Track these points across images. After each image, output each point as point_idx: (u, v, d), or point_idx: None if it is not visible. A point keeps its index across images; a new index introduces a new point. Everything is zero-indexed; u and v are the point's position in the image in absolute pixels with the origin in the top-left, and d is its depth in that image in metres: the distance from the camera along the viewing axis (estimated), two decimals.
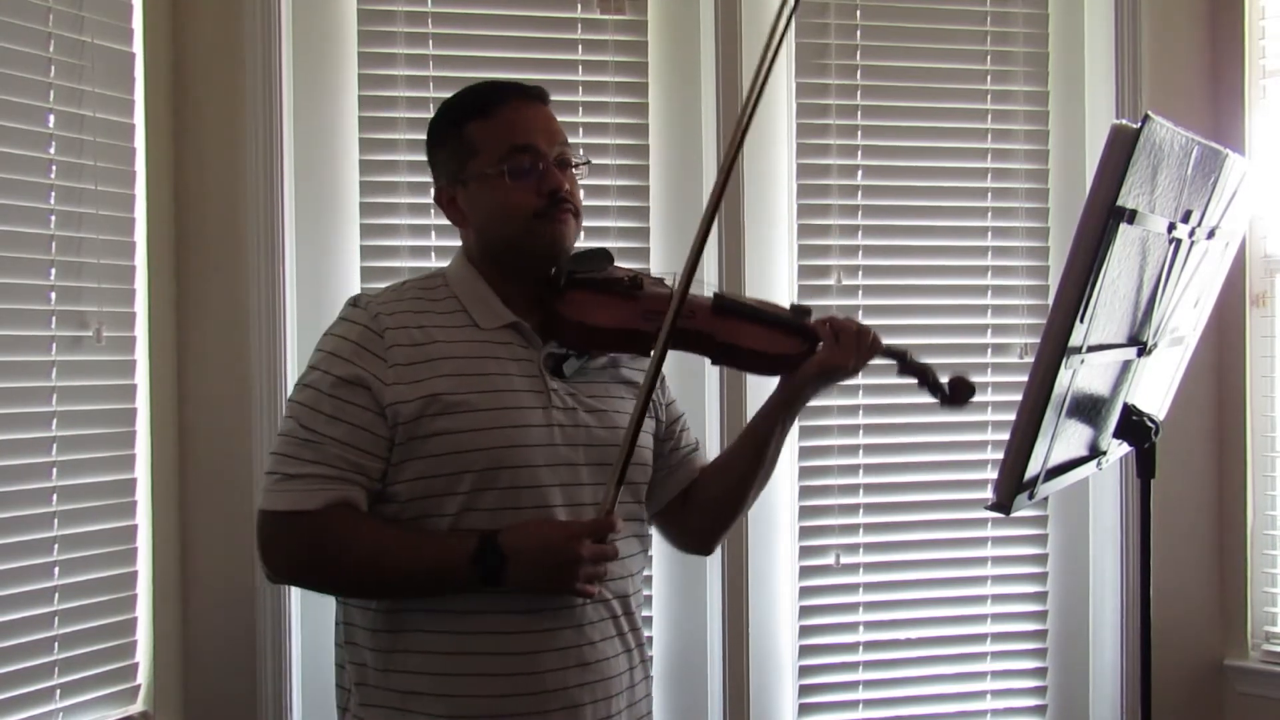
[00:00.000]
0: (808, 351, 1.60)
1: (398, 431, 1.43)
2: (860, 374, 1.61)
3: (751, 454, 1.65)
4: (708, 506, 1.69)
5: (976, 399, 2.58)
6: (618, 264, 1.65)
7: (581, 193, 1.58)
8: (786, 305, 1.68)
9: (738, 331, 1.61)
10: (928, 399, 1.65)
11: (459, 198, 1.55)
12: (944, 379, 1.64)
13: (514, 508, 1.44)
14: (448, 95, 1.58)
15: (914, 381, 1.66)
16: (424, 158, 1.58)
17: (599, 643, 1.50)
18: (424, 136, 1.59)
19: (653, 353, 1.47)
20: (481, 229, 1.55)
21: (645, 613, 2.50)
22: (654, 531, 1.71)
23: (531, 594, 1.43)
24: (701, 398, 2.52)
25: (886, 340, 1.61)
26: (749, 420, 1.67)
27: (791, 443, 2.56)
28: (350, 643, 1.51)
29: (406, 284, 1.57)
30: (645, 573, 1.71)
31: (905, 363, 1.65)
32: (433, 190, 1.59)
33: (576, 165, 1.57)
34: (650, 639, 2.53)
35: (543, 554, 1.41)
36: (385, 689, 1.46)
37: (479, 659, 1.44)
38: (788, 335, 1.62)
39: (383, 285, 1.59)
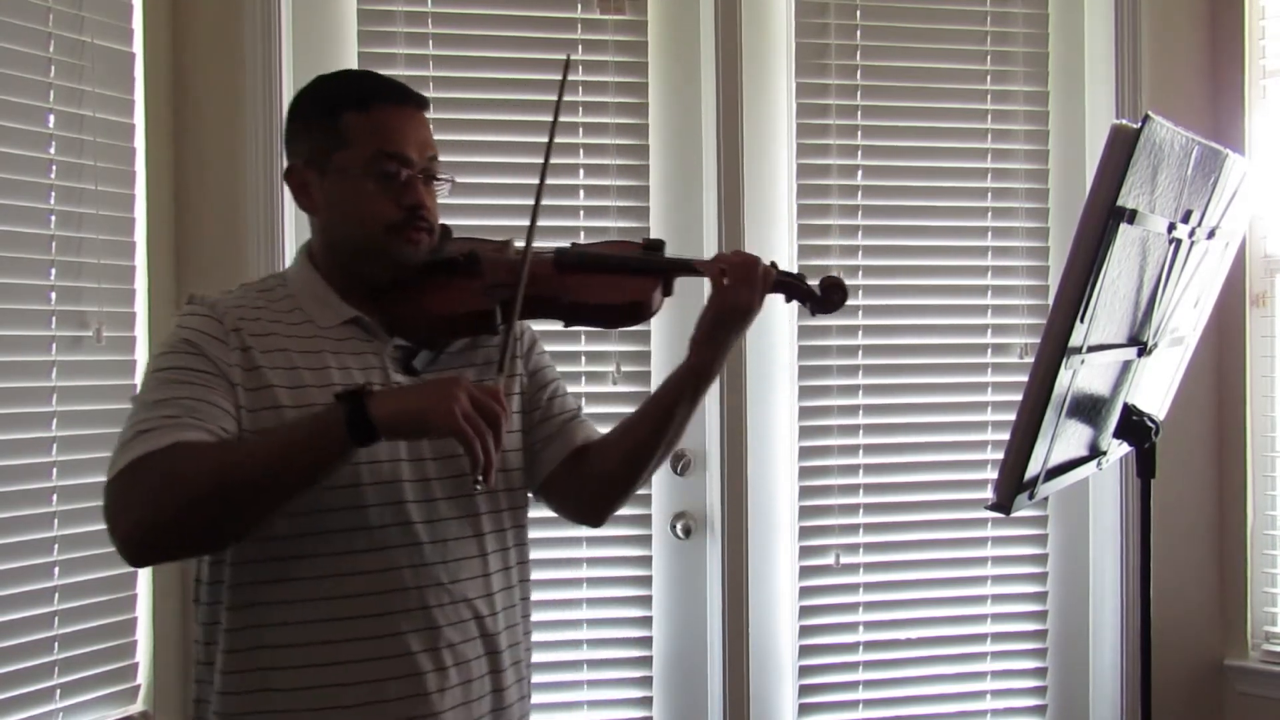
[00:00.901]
0: (662, 288, 1.52)
1: (240, 417, 1.36)
2: (760, 310, 1.51)
3: (656, 422, 1.55)
4: (603, 477, 1.60)
5: (976, 399, 2.63)
6: (456, 235, 1.56)
7: (438, 209, 1.51)
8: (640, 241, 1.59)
9: (585, 287, 1.52)
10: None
11: (313, 183, 1.48)
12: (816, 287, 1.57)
13: (360, 506, 1.39)
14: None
15: (791, 300, 1.58)
16: None
17: (459, 644, 1.44)
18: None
19: (501, 329, 1.41)
20: (330, 224, 1.49)
21: (645, 612, 2.53)
22: (542, 501, 1.64)
23: (406, 437, 1.33)
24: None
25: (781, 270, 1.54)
26: (658, 387, 1.58)
27: (792, 443, 2.56)
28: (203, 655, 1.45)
29: (243, 286, 1.52)
30: (527, 597, 1.60)
31: (797, 289, 1.57)
32: (285, 165, 1.51)
33: (440, 180, 1.51)
34: (650, 639, 2.53)
35: (413, 387, 1.35)
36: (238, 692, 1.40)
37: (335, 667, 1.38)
38: (638, 278, 1.53)
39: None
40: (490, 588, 1.50)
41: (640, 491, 2.47)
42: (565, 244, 1.60)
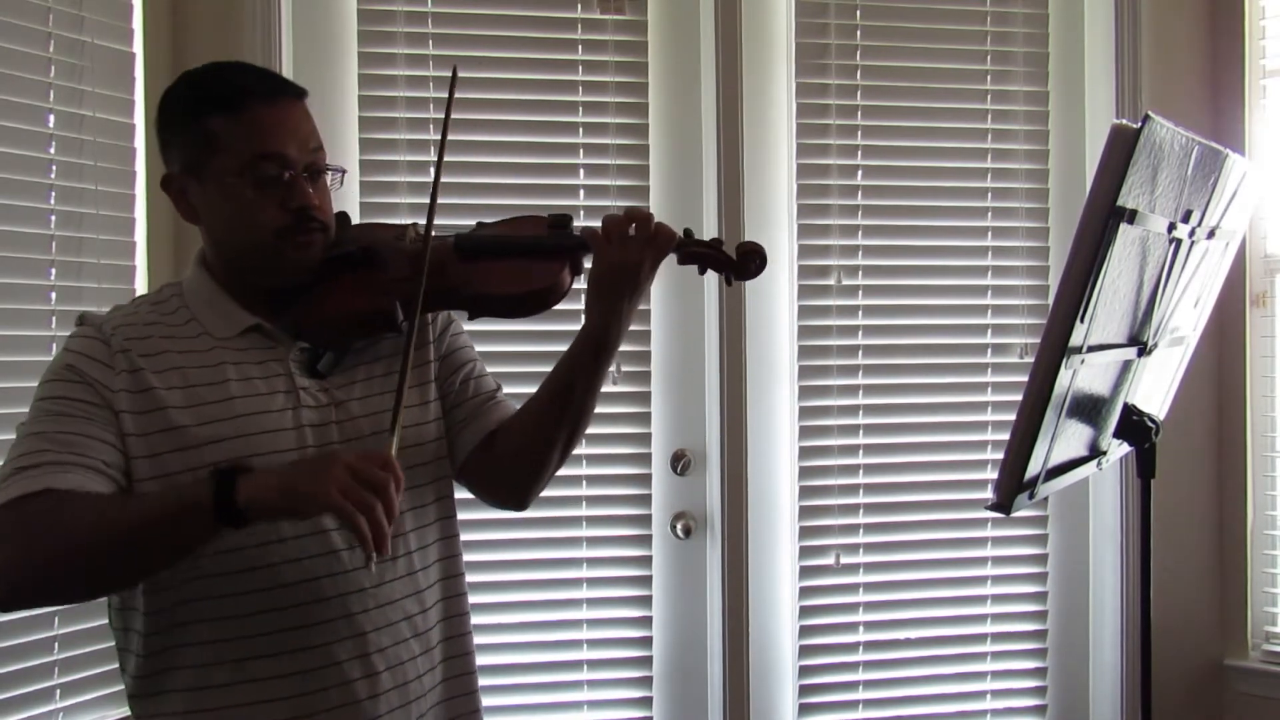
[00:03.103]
0: (570, 270, 1.44)
1: (128, 444, 1.31)
2: (656, 271, 1.44)
3: (554, 395, 1.49)
4: (512, 457, 1.53)
5: (976, 399, 2.63)
6: (356, 223, 1.49)
7: (332, 202, 1.46)
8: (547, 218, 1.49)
9: (488, 276, 1.44)
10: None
11: (191, 191, 1.41)
12: (732, 253, 1.48)
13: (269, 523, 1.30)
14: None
15: (697, 267, 1.49)
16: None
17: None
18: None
19: (403, 325, 1.35)
20: (215, 235, 1.43)
21: (645, 613, 2.52)
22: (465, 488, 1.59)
23: (280, 519, 1.26)
24: (701, 394, 2.52)
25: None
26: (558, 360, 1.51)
27: (791, 442, 2.56)
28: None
29: (138, 299, 1.47)
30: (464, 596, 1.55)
31: (706, 257, 1.48)
32: (161, 176, 1.44)
33: (329, 172, 1.44)
34: (650, 639, 2.53)
35: (290, 466, 1.27)
36: None
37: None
38: (543, 261, 1.44)
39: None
40: (418, 585, 1.46)
41: (640, 491, 2.51)
42: (468, 224, 1.52)
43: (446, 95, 1.45)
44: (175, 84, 1.45)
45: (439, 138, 1.42)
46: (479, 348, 1.63)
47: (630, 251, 1.41)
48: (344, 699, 1.38)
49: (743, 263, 1.48)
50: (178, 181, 1.43)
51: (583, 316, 1.47)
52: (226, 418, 1.35)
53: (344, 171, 1.47)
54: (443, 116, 1.40)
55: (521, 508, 1.60)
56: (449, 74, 1.48)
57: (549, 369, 1.51)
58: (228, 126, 1.37)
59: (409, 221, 1.52)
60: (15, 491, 1.23)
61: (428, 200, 1.45)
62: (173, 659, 1.37)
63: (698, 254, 1.48)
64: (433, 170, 1.43)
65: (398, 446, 1.28)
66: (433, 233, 1.39)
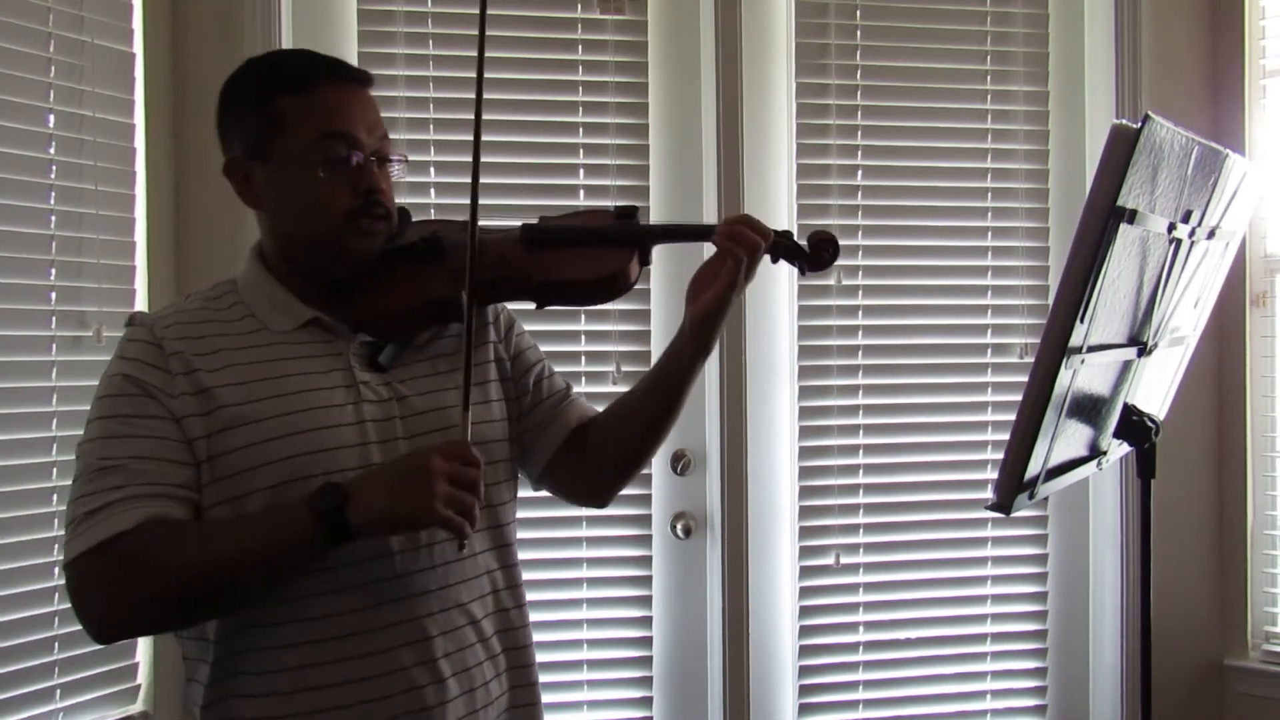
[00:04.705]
0: (636, 259, 1.44)
1: (195, 448, 1.29)
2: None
3: (664, 399, 1.49)
4: (611, 457, 1.54)
5: (976, 399, 2.63)
6: (418, 220, 1.48)
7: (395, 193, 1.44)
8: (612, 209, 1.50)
9: (555, 264, 1.42)
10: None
11: (255, 176, 1.38)
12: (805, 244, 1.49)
13: None
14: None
15: (777, 260, 1.49)
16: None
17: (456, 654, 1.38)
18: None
19: (464, 317, 1.34)
20: (278, 218, 1.40)
21: (645, 613, 2.52)
22: (537, 486, 1.59)
23: (387, 534, 1.28)
24: (701, 394, 2.52)
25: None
26: (659, 359, 1.52)
27: (791, 442, 2.56)
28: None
29: (190, 296, 1.44)
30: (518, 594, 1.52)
31: (786, 248, 1.48)
32: (224, 162, 1.42)
33: (394, 162, 1.42)
34: (650, 639, 2.53)
35: (389, 475, 1.25)
36: None
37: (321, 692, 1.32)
38: (612, 249, 1.44)
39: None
40: (483, 588, 1.43)
41: (640, 491, 2.51)
42: (533, 219, 1.51)
43: (475, 78, 1.40)
44: (239, 69, 1.43)
45: (473, 117, 1.40)
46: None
47: (745, 260, 1.42)
48: (411, 706, 1.34)
49: (816, 253, 1.48)
50: (241, 166, 1.40)
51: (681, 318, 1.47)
52: (287, 413, 1.32)
53: (406, 160, 1.46)
54: (473, 101, 1.38)
55: (604, 505, 1.62)
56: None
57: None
58: (295, 106, 1.35)
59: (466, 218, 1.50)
60: (102, 534, 1.22)
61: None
62: (237, 664, 1.33)
63: (783, 246, 1.48)
64: (471, 153, 1.41)
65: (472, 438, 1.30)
66: (496, 226, 1.36)
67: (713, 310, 1.43)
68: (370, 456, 1.34)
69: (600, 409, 1.60)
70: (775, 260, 1.49)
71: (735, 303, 1.45)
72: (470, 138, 1.36)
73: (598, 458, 1.55)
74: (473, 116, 1.38)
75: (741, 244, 1.41)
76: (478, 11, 1.36)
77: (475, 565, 1.43)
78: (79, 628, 2.04)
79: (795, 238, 1.50)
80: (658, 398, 1.50)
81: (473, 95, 1.33)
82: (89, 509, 1.24)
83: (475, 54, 1.36)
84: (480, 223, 1.40)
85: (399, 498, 1.22)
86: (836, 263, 1.51)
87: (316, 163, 1.35)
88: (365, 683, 1.32)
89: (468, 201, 1.39)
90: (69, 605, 2.03)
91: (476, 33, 1.37)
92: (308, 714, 1.32)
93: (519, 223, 1.49)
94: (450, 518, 1.21)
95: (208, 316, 1.38)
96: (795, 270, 1.51)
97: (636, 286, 1.52)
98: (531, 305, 1.47)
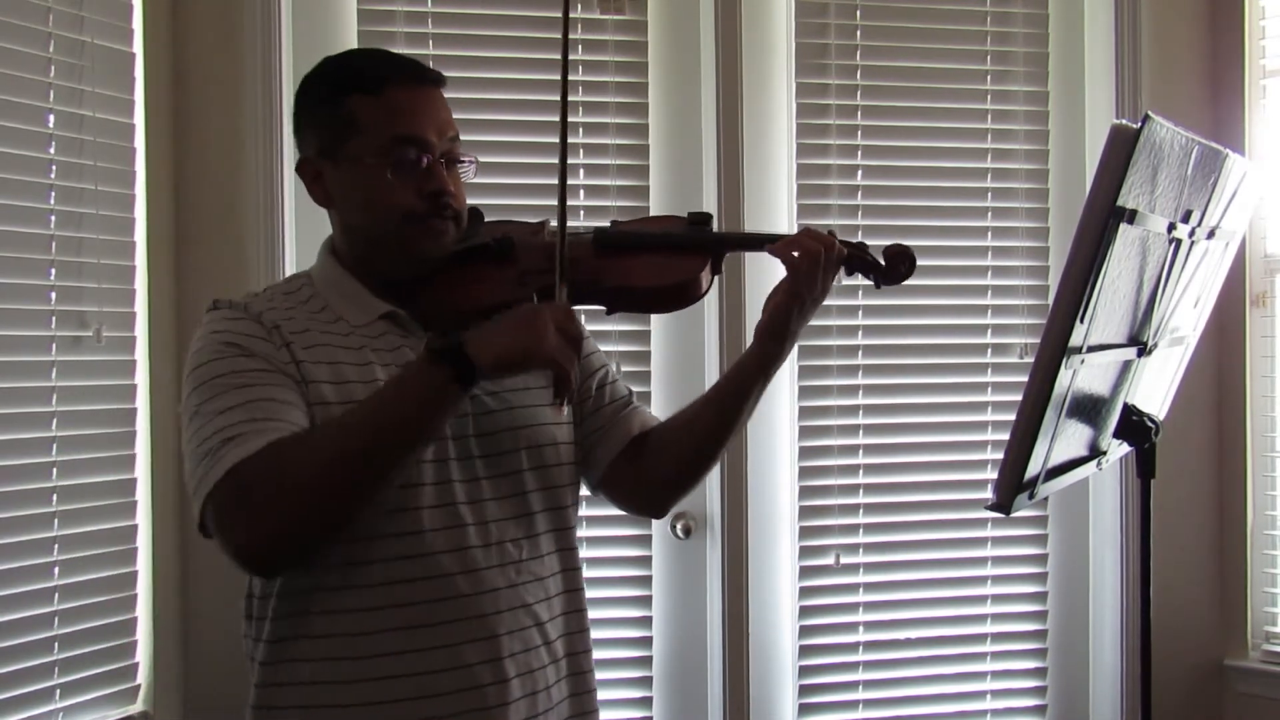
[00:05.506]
0: (709, 268, 1.43)
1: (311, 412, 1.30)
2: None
3: (731, 410, 1.48)
4: (672, 468, 1.53)
5: (976, 399, 2.63)
6: (490, 220, 1.48)
7: (465, 193, 1.45)
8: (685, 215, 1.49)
9: (628, 269, 1.41)
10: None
11: (327, 175, 1.40)
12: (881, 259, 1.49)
13: (414, 508, 1.32)
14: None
15: (852, 273, 1.49)
16: None
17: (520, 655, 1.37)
18: None
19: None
20: (348, 219, 1.41)
21: (645, 613, 2.52)
22: (597, 493, 1.59)
23: (504, 376, 1.30)
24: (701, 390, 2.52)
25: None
26: (725, 372, 1.52)
27: (792, 443, 2.56)
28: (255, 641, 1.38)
29: (267, 289, 1.46)
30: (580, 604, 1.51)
31: (862, 261, 1.49)
32: (297, 159, 1.44)
33: (464, 163, 1.43)
34: (649, 639, 2.53)
35: (503, 319, 1.28)
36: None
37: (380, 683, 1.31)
38: (685, 256, 1.43)
39: None
40: (549, 591, 1.42)
41: None
42: (605, 223, 1.51)
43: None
44: (316, 67, 1.44)
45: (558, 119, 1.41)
46: None
47: (820, 279, 1.42)
48: (472, 704, 1.32)
49: (891, 268, 1.49)
50: (313, 165, 1.41)
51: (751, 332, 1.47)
52: (365, 381, 1.33)
53: (476, 161, 1.46)
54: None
55: (661, 515, 1.63)
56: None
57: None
58: (368, 107, 1.36)
59: (543, 219, 1.50)
60: (234, 457, 1.21)
61: None
62: (295, 650, 1.33)
63: (852, 256, 1.48)
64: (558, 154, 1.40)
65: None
66: (567, 232, 1.37)
67: (772, 321, 1.43)
68: (445, 451, 1.36)
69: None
70: (850, 273, 1.49)
71: (805, 318, 1.45)
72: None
73: (654, 468, 1.54)
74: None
75: (800, 251, 1.41)
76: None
77: (543, 566, 1.42)
78: (79, 627, 2.08)
79: (868, 251, 1.50)
80: (713, 411, 1.50)
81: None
82: (219, 441, 1.23)
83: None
84: (550, 223, 1.40)
85: (515, 336, 1.25)
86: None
87: (385, 165, 1.36)
88: (426, 676, 1.31)
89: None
90: (69, 605, 2.06)
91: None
92: (362, 705, 1.30)
93: (592, 225, 1.50)
94: (558, 360, 1.24)
95: (290, 305, 1.40)
96: (871, 283, 1.51)
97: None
98: (602, 309, 1.46)
